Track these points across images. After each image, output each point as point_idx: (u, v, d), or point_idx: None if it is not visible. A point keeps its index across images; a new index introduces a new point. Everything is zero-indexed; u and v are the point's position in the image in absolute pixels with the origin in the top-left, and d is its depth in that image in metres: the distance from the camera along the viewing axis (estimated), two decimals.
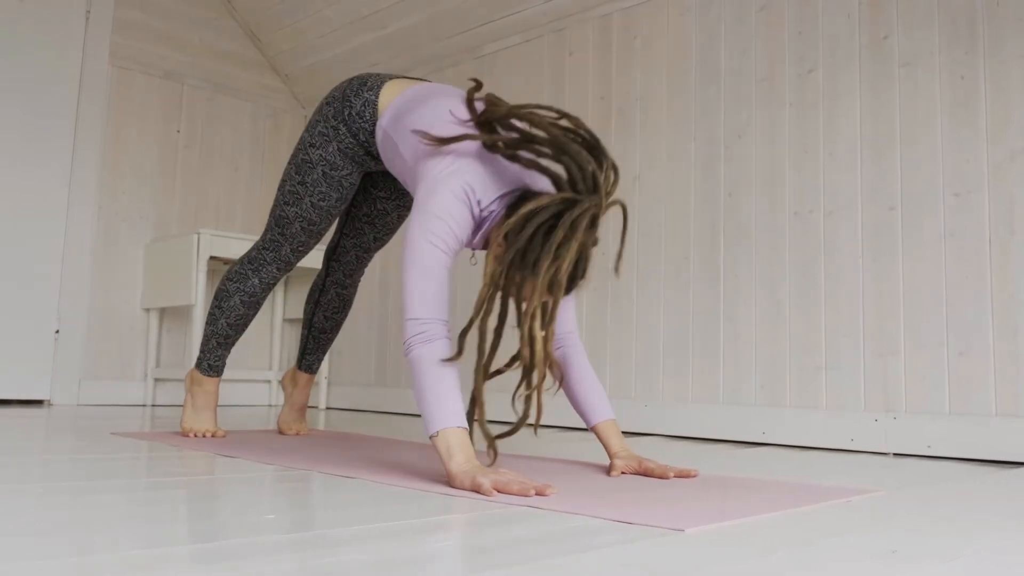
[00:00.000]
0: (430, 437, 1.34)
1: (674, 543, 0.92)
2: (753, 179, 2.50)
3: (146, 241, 3.66)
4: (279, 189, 1.99)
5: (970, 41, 2.12)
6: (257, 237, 3.56)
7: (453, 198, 1.45)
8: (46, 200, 3.39)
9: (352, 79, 1.87)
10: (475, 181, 1.47)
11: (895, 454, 2.12)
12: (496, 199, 1.49)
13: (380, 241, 2.23)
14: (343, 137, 1.84)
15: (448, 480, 1.31)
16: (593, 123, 2.95)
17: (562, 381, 1.63)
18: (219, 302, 2.09)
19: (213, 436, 2.11)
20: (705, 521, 1.05)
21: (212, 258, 3.48)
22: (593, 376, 1.65)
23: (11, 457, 1.58)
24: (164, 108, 3.77)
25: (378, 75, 1.86)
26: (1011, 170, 2.03)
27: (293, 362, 3.75)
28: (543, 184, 1.52)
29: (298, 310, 3.95)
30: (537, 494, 1.22)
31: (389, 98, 1.78)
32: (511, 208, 1.46)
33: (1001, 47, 2.07)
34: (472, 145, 1.51)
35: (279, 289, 4.03)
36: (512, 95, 3.23)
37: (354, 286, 2.30)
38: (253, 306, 2.09)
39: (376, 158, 1.87)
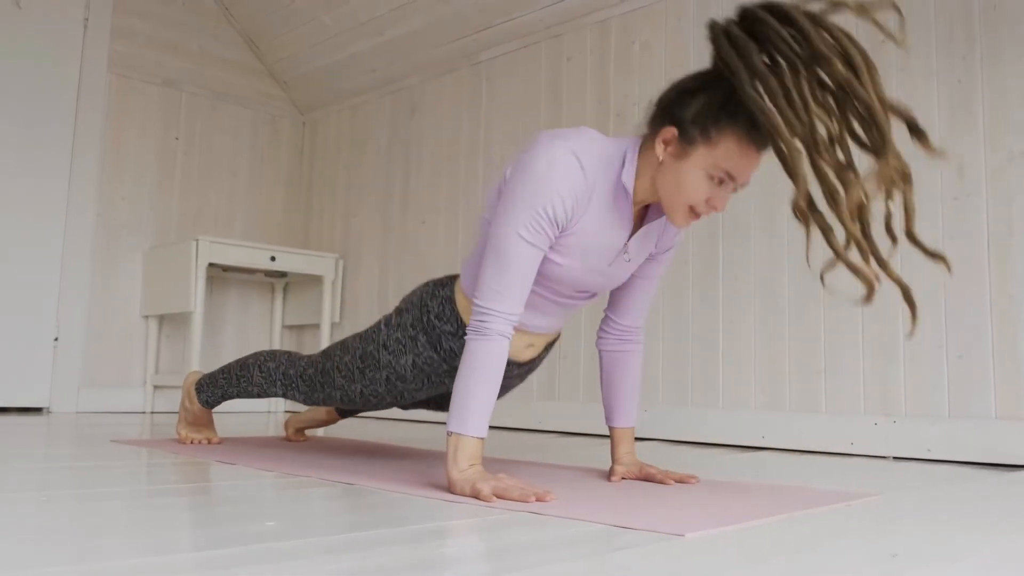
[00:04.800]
0: (448, 432, 1.33)
1: (674, 548, 0.92)
2: (752, 183, 2.50)
3: (145, 248, 3.66)
4: (340, 346, 1.75)
5: (967, 45, 2.13)
6: (255, 243, 3.57)
7: (557, 166, 1.33)
8: (45, 207, 3.39)
9: (427, 283, 1.67)
10: (583, 150, 1.36)
11: (895, 458, 2.12)
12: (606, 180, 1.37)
13: None
14: (421, 349, 1.60)
15: (448, 486, 1.31)
16: (591, 127, 2.95)
17: (602, 372, 1.65)
18: (248, 373, 1.93)
19: (209, 443, 2.11)
20: (705, 526, 1.05)
21: (211, 265, 3.48)
22: (638, 382, 1.66)
23: (10, 465, 1.57)
24: (163, 115, 3.77)
25: (451, 276, 1.67)
26: (1009, 173, 2.03)
27: None
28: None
29: (297, 317, 3.94)
30: (537, 500, 1.22)
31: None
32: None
33: (998, 50, 2.08)
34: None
35: (278, 296, 4.03)
36: (509, 101, 3.24)
37: None
38: (261, 396, 1.97)
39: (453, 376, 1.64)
